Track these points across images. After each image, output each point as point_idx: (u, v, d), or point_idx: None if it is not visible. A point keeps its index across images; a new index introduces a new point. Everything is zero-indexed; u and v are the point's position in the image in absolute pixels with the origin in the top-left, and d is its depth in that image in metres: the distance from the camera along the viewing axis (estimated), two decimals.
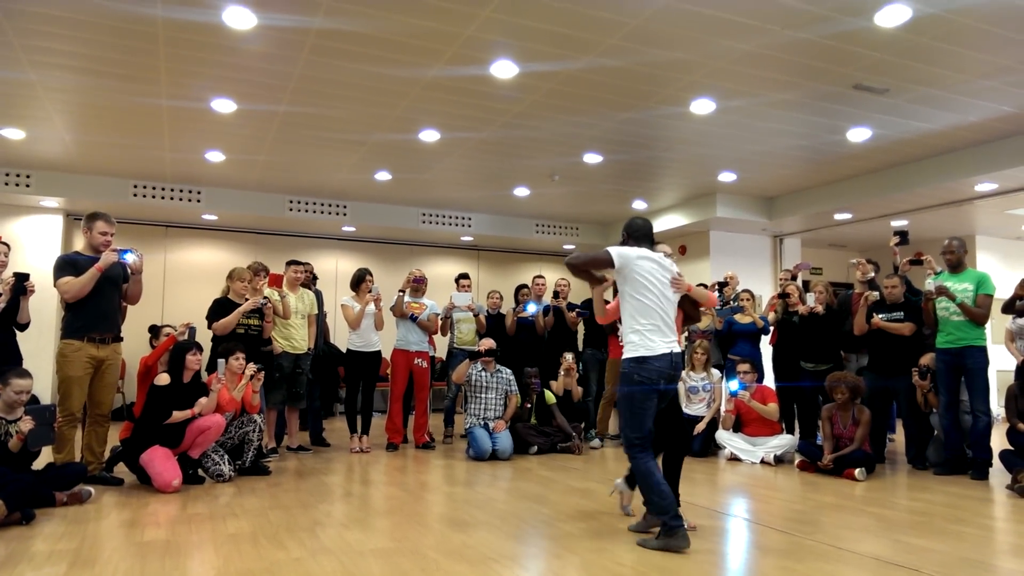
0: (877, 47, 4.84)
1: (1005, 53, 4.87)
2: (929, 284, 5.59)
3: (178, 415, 4.71)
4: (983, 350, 5.44)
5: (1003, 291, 6.09)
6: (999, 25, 4.47)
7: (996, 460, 5.34)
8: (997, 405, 7.50)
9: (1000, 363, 6.89)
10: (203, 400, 4.83)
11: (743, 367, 6.29)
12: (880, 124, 6.39)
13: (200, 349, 5.02)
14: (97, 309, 4.58)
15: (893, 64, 5.10)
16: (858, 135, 6.67)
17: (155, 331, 7.31)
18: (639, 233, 3.74)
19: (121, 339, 4.83)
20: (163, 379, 4.77)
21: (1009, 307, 5.86)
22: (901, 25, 4.50)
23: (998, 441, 5.57)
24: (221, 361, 5.12)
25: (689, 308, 3.96)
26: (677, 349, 3.55)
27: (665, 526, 3.36)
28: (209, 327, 5.52)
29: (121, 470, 4.87)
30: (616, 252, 3.57)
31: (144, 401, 4.81)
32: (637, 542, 3.45)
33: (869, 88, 5.53)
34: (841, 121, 6.33)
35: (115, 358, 4.75)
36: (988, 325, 5.51)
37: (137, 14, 4.43)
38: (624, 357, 3.55)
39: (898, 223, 9.02)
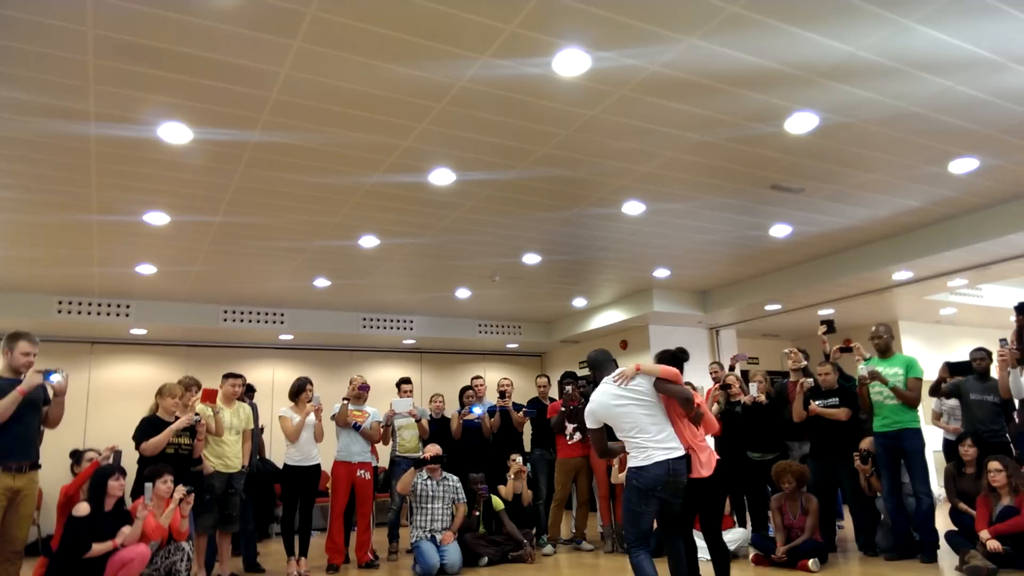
0: (789, 151, 5.18)
1: (905, 153, 5.28)
2: (862, 369, 5.78)
3: (98, 548, 4.36)
4: (919, 432, 5.60)
5: (930, 373, 6.34)
6: (898, 128, 4.86)
7: (943, 541, 5.40)
8: (937, 486, 7.66)
9: (936, 444, 7.08)
10: (126, 529, 4.51)
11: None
12: (799, 220, 6.75)
13: (123, 473, 4.72)
14: (15, 435, 4.27)
15: (806, 166, 5.46)
16: (780, 231, 7.02)
17: (77, 456, 6.85)
18: (597, 365, 4.25)
19: (39, 466, 4.50)
20: (82, 509, 4.45)
21: (936, 389, 6.09)
22: (810, 131, 4.84)
23: (942, 522, 5.64)
24: (149, 485, 4.82)
25: (677, 402, 4.11)
26: (676, 455, 3.83)
27: None
28: (137, 447, 5.21)
29: None
30: (589, 416, 4.05)
31: (61, 533, 4.45)
32: None
33: (785, 188, 5.88)
34: (763, 219, 6.67)
35: (32, 488, 4.40)
36: (934, 406, 5.70)
37: (69, 131, 4.40)
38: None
39: (825, 312, 9.40)
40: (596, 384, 4.32)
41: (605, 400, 4.00)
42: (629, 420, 3.90)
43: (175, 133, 4.47)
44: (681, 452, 3.86)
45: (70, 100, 4.05)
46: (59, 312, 8.17)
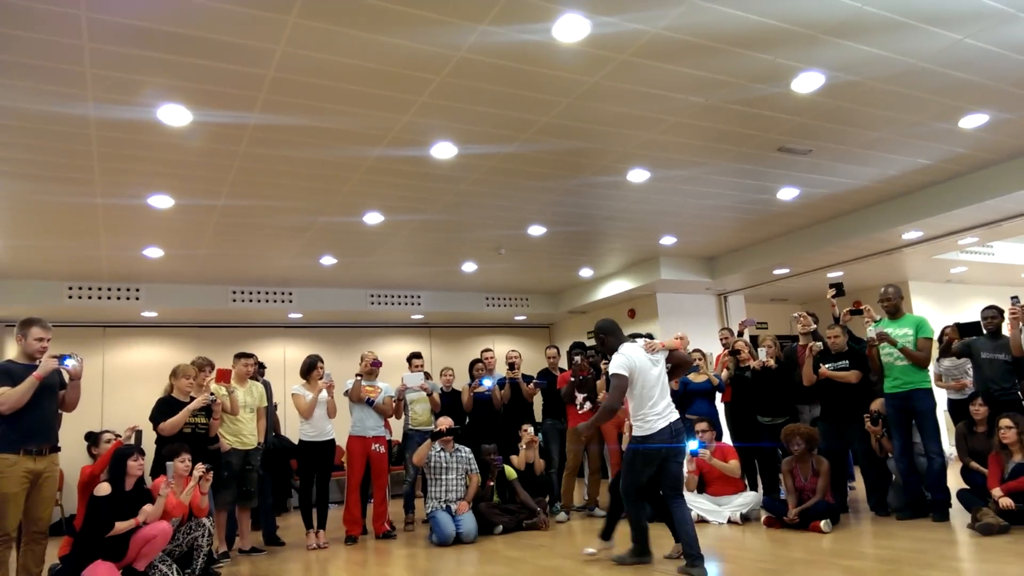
0: (796, 111, 5.11)
1: (914, 110, 5.20)
2: (870, 332, 5.76)
3: (121, 526, 4.44)
4: (930, 392, 5.59)
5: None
6: (906, 85, 4.78)
7: (955, 500, 5.42)
8: (948, 445, 7.68)
9: (947, 404, 7.07)
10: (148, 508, 4.58)
11: (701, 426, 6.30)
12: (806, 183, 6.68)
13: (142, 453, 4.79)
14: (34, 420, 4.34)
15: (813, 126, 5.38)
16: (787, 194, 6.95)
17: (93, 438, 6.92)
18: (611, 330, 4.72)
19: (59, 449, 4.57)
20: (103, 489, 4.52)
21: (946, 350, 6.07)
22: (816, 90, 4.76)
23: (954, 481, 5.66)
24: (170, 464, 4.89)
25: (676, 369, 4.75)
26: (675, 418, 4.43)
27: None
28: (155, 428, 5.29)
29: None
30: (623, 367, 4.42)
31: (84, 513, 4.53)
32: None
33: (792, 150, 5.81)
34: (769, 182, 6.61)
35: (53, 470, 4.48)
36: (932, 367, 5.69)
37: (69, 116, 4.39)
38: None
39: (834, 275, 9.34)
40: (608, 349, 4.64)
41: (642, 357, 4.47)
42: (654, 386, 4.41)
43: (175, 115, 4.45)
44: (676, 416, 4.45)
45: (68, 85, 4.03)
46: (69, 298, 8.23)
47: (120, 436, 5.22)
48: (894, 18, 3.96)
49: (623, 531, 4.90)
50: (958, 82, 4.77)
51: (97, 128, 4.57)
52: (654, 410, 4.36)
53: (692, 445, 6.22)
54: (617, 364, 4.43)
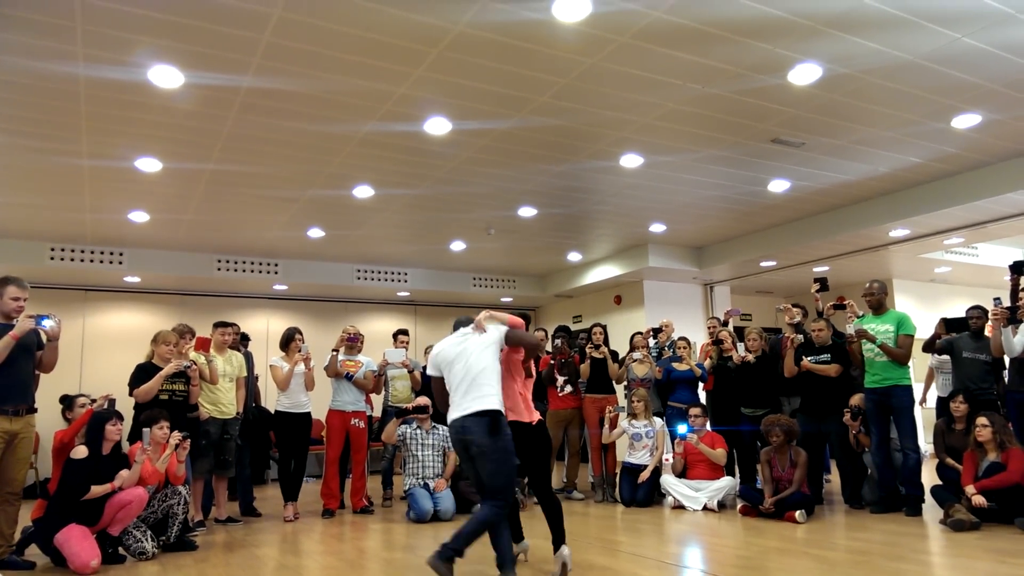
0: (792, 103, 5.10)
1: (908, 107, 5.21)
2: (850, 328, 5.81)
3: (97, 490, 4.41)
4: (908, 389, 5.65)
5: (923, 331, 6.38)
6: (901, 82, 4.79)
7: (928, 496, 5.50)
8: (925, 442, 7.78)
9: (931, 399, 7.14)
10: (124, 473, 4.54)
11: (695, 411, 6.37)
12: (798, 176, 6.69)
13: (121, 418, 4.75)
14: (10, 379, 4.29)
15: (807, 119, 5.38)
16: (778, 186, 6.97)
17: (68, 402, 6.83)
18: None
19: (35, 410, 4.52)
20: (80, 452, 4.48)
21: (930, 346, 6.13)
22: (813, 83, 4.76)
23: (928, 477, 5.74)
24: (147, 430, 4.85)
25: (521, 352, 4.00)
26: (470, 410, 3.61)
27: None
28: (131, 394, 5.24)
29: (34, 552, 4.50)
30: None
31: (59, 476, 4.50)
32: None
33: (786, 142, 5.81)
34: (762, 173, 6.61)
35: (28, 431, 4.44)
36: (912, 364, 5.74)
37: (57, 73, 4.30)
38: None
39: (819, 269, 9.40)
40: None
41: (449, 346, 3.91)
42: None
43: (166, 76, 4.38)
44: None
45: (57, 41, 3.95)
46: (51, 259, 8.12)
47: (95, 402, 5.16)
48: (893, 13, 3.95)
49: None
50: (953, 81, 4.78)
51: (86, 86, 4.49)
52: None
53: (682, 428, 6.28)
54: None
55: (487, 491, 3.69)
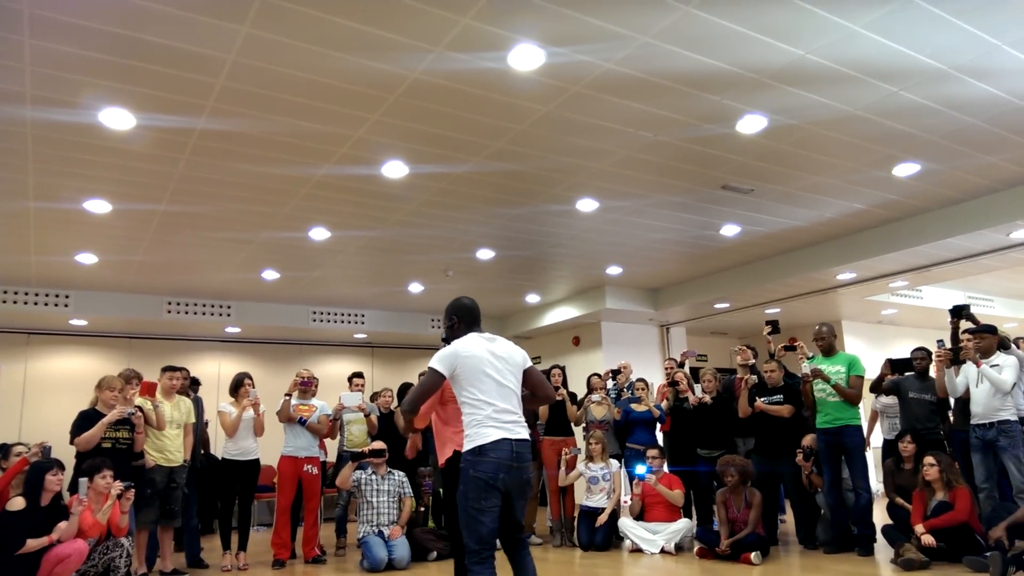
0: (740, 151, 5.26)
1: (851, 156, 5.41)
2: (805, 367, 5.92)
3: (33, 543, 4.21)
4: (859, 429, 5.76)
5: (872, 371, 6.52)
6: (844, 132, 4.98)
7: (879, 535, 5.57)
8: (876, 481, 7.90)
9: (875, 441, 7.28)
10: (62, 525, 4.35)
11: (652, 452, 6.38)
12: (748, 220, 6.87)
13: (62, 468, 4.57)
14: None
15: (756, 167, 5.55)
16: (729, 230, 7.14)
17: (3, 450, 6.51)
18: (467, 316, 3.64)
19: None
20: (17, 503, 4.28)
21: (876, 386, 6.27)
22: (760, 132, 4.93)
23: (880, 516, 5.82)
24: (83, 480, 4.65)
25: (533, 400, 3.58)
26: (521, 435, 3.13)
27: None
28: (72, 442, 5.04)
29: None
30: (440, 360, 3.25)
31: None
32: None
33: (735, 188, 5.98)
34: (713, 218, 6.77)
35: None
36: (862, 405, 5.86)
37: (3, 114, 4.22)
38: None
39: (771, 311, 9.60)
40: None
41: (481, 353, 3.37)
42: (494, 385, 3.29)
43: (117, 119, 4.33)
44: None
45: (5, 82, 3.88)
46: None
47: (28, 450, 4.95)
48: (834, 67, 4.13)
49: None
50: (893, 132, 5.00)
51: (34, 128, 4.40)
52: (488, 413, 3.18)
53: (640, 469, 6.28)
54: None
55: (520, 528, 3.23)
